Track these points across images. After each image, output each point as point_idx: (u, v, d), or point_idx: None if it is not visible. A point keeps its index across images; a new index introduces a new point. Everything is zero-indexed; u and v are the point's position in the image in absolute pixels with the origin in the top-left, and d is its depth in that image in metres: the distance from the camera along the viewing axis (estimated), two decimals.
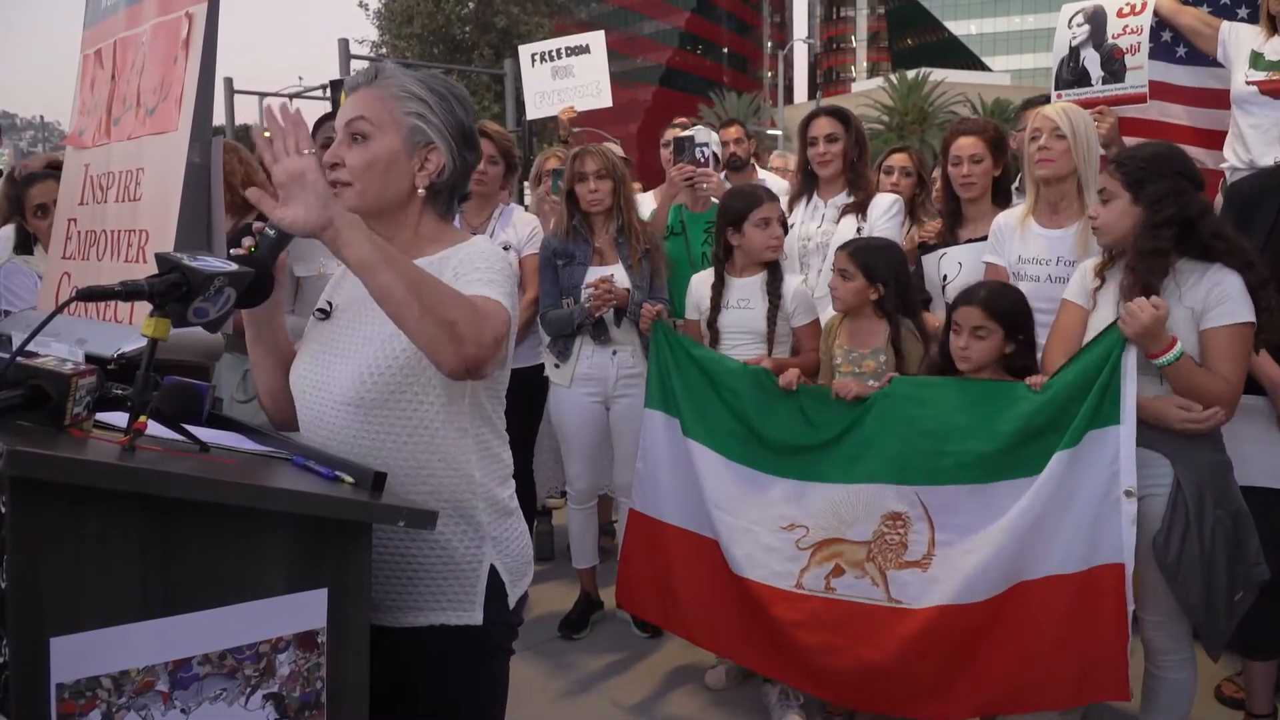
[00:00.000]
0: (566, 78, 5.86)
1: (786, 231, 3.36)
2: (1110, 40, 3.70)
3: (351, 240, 1.40)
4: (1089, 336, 2.58)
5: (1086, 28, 3.78)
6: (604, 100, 5.72)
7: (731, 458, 2.95)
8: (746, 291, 3.29)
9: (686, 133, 3.91)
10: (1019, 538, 2.48)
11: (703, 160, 3.81)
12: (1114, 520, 2.40)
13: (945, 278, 3.39)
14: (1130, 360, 2.37)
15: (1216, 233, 2.39)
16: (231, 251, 1.52)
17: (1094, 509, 2.43)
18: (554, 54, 5.89)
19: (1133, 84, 3.63)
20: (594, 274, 3.52)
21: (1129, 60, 3.62)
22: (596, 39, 5.84)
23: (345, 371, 1.61)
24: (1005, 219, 3.12)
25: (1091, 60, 3.75)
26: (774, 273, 3.26)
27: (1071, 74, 3.83)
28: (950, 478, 2.59)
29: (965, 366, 2.69)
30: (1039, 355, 2.71)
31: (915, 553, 2.64)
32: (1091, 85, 3.73)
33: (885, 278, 2.97)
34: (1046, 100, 4.01)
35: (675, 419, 3.09)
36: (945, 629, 2.58)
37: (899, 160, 4.09)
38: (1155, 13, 3.65)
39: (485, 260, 1.62)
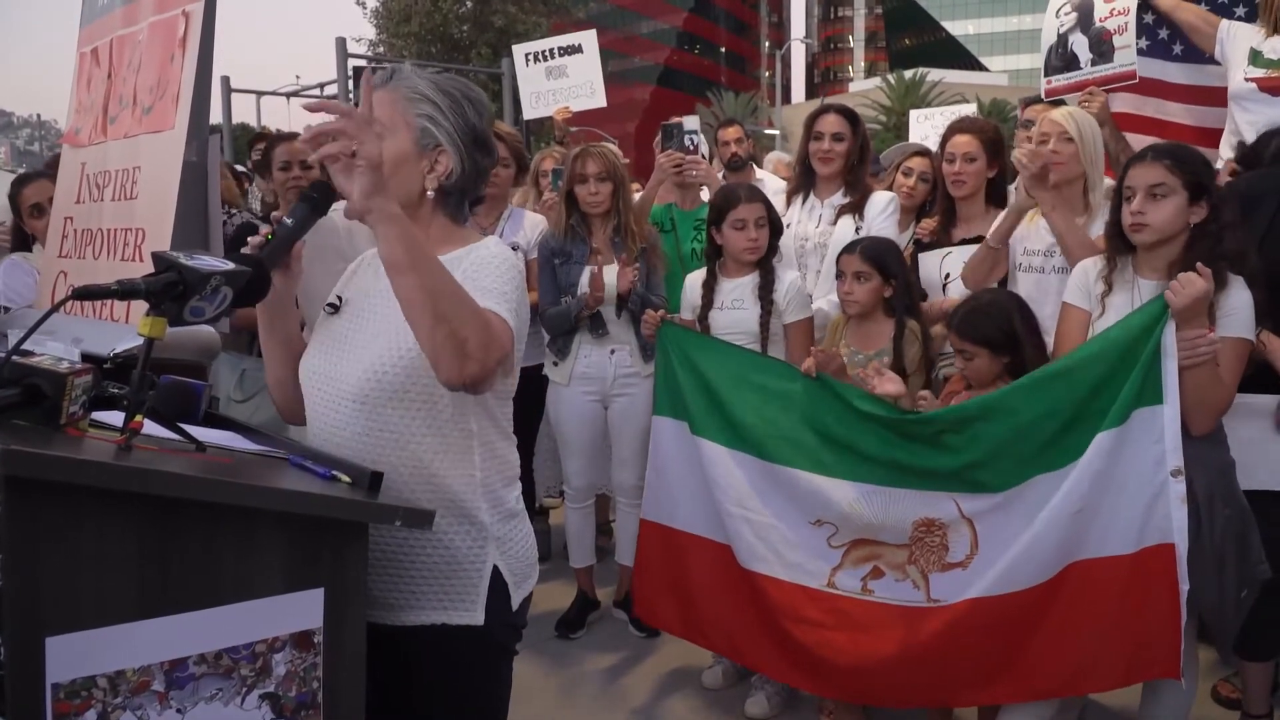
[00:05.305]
0: (561, 78, 5.88)
1: (781, 231, 3.35)
2: (1098, 24, 3.71)
3: (384, 235, 1.40)
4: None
5: (1074, 15, 3.81)
6: (598, 100, 5.72)
7: (747, 452, 2.87)
8: (740, 292, 3.28)
9: (675, 120, 3.89)
10: (1065, 522, 2.43)
11: (691, 147, 3.78)
12: (1163, 500, 2.37)
13: (948, 276, 3.40)
14: (1170, 337, 2.32)
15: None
16: (250, 239, 1.54)
17: (1144, 489, 2.39)
18: (547, 54, 5.91)
19: (1121, 63, 3.64)
20: (590, 272, 3.51)
21: (1117, 41, 3.63)
22: (588, 38, 5.85)
23: (353, 367, 1.61)
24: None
25: (1080, 44, 3.77)
26: (766, 274, 3.25)
27: (1060, 60, 3.85)
28: (984, 488, 2.55)
29: (973, 385, 2.71)
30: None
31: (958, 554, 2.59)
32: (1081, 69, 3.74)
33: (896, 273, 2.99)
34: (1040, 99, 4.03)
35: (683, 421, 3.03)
36: (988, 618, 2.53)
37: (919, 164, 4.00)
38: (1154, 8, 3.66)
39: (497, 268, 1.61)
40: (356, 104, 1.64)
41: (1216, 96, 3.63)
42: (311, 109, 1.44)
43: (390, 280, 1.43)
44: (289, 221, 1.54)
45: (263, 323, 1.73)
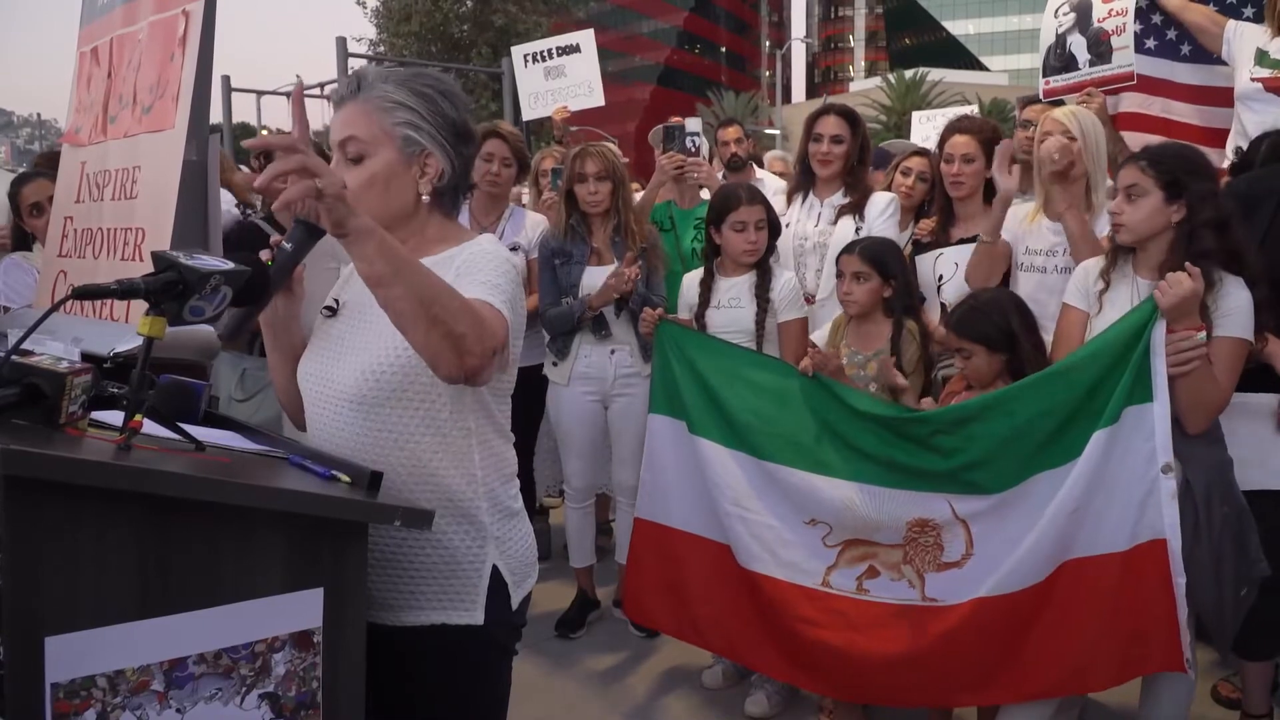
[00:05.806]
0: (559, 78, 5.89)
1: (779, 231, 3.35)
2: (1096, 24, 3.72)
3: (361, 254, 1.36)
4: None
5: (1072, 15, 3.83)
6: (596, 99, 5.73)
7: (744, 450, 2.87)
8: (737, 291, 3.29)
9: (676, 120, 3.88)
10: (1063, 521, 2.44)
11: (693, 149, 3.78)
12: (1155, 496, 2.38)
13: (941, 278, 3.39)
14: (1160, 335, 2.33)
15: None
16: None
17: (1136, 486, 2.40)
18: (546, 54, 5.93)
19: (1119, 64, 3.66)
20: (591, 274, 3.51)
21: (1115, 42, 3.65)
22: (586, 37, 5.86)
23: (350, 370, 1.61)
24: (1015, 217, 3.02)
25: (1078, 45, 3.79)
26: (763, 273, 3.25)
27: (1059, 60, 3.87)
28: (978, 489, 2.55)
29: (973, 385, 2.71)
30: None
31: (953, 554, 2.59)
32: (1079, 69, 3.76)
33: (896, 273, 2.99)
34: (1038, 99, 4.03)
35: (680, 420, 3.02)
36: (986, 620, 2.53)
37: (917, 164, 3.99)
38: (1162, 8, 3.67)
39: (489, 262, 1.60)
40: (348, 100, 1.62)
41: (1224, 97, 3.64)
42: (252, 148, 1.39)
43: (376, 295, 1.39)
44: (288, 246, 1.52)
45: (267, 336, 1.74)
